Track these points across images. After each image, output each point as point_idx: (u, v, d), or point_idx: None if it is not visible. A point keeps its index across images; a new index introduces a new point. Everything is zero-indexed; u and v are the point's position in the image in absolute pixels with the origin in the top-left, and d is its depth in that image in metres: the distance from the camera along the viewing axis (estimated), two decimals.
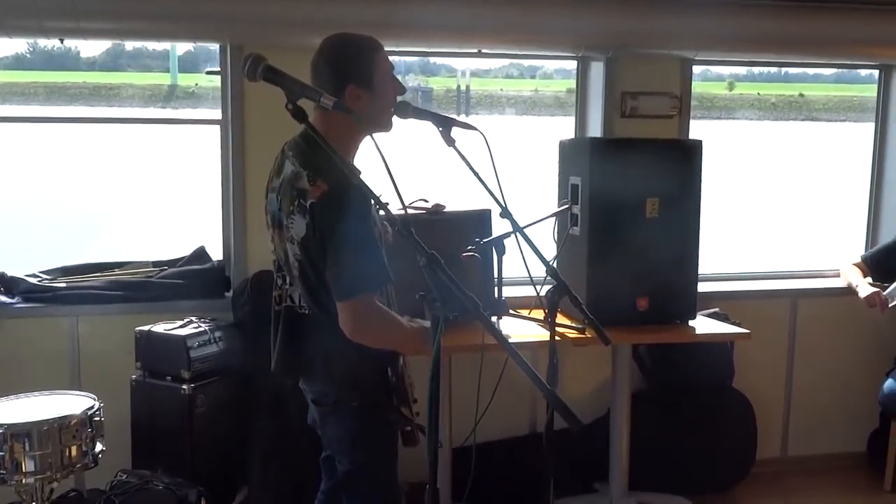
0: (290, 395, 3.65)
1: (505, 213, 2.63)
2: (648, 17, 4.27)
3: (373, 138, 2.09)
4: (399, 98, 2.64)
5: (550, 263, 2.67)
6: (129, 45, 3.97)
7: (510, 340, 2.14)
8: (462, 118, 2.73)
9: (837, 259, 5.08)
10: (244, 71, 2.13)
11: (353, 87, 2.52)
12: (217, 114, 4.29)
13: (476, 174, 2.50)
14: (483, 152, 2.56)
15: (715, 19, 4.34)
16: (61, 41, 4.00)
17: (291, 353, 2.65)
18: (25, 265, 4.42)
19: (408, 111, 2.60)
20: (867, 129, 5.35)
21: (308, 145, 2.54)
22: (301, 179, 2.48)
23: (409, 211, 2.34)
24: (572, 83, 4.81)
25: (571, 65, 4.80)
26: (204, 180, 4.69)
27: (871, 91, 5.41)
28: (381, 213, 2.35)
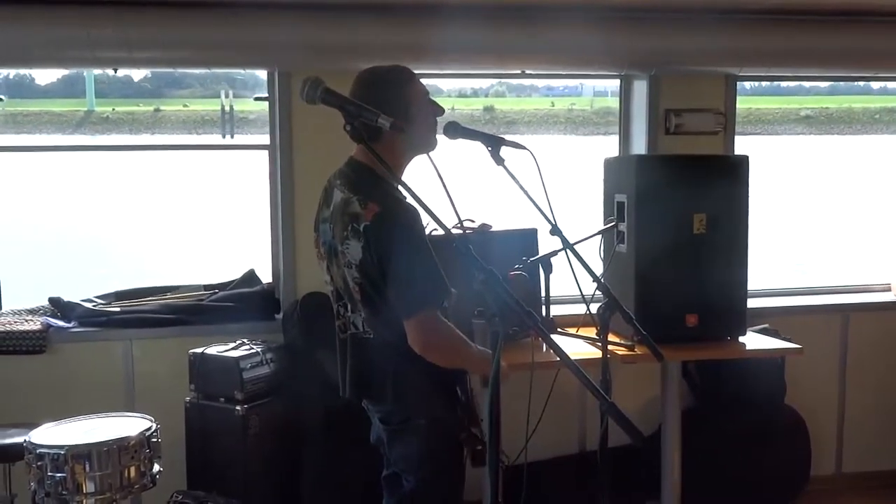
0: (341, 415, 3.70)
1: (555, 231, 2.64)
2: (691, 35, 4.28)
3: (430, 158, 2.13)
4: (448, 119, 2.68)
5: (602, 280, 2.68)
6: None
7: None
8: None
9: (888, 273, 5.01)
10: (303, 94, 2.17)
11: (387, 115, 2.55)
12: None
13: (526, 192, 2.52)
14: (531, 171, 2.59)
15: (758, 35, 4.34)
16: (115, 71, 4.11)
17: (362, 378, 2.67)
18: (79, 290, 4.52)
19: (457, 132, 2.63)
20: None
21: (355, 172, 2.60)
22: (352, 204, 2.53)
23: (457, 230, 2.36)
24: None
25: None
26: (253, 204, 4.77)
27: None
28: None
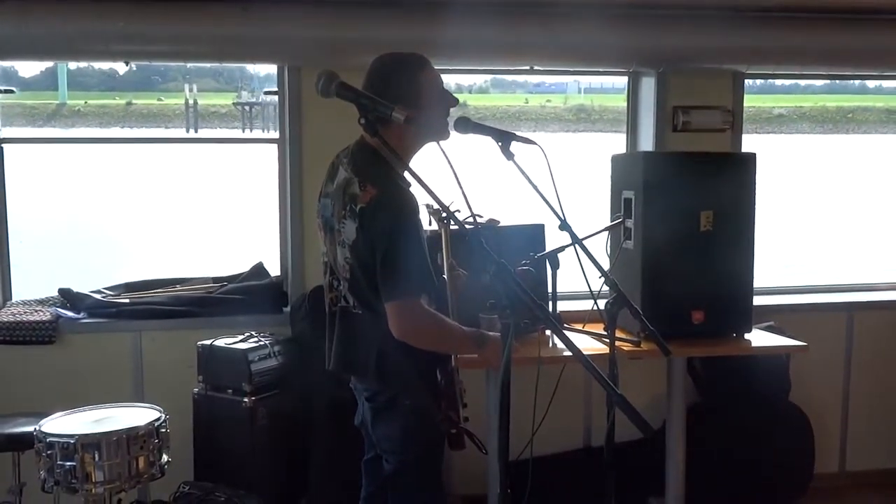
0: (347, 407, 3.72)
1: (564, 226, 2.66)
2: (700, 32, 4.28)
3: (442, 149, 2.15)
4: (459, 114, 2.70)
5: (610, 275, 2.70)
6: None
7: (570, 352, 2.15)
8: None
9: (893, 272, 5.01)
10: (318, 87, 2.19)
11: (401, 108, 2.56)
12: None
13: (535, 188, 2.54)
14: (536, 166, 2.60)
15: (766, 32, 4.34)
16: (126, 63, 4.13)
17: (346, 352, 2.71)
18: (89, 282, 4.54)
19: (468, 127, 2.64)
20: None
21: (361, 153, 2.64)
22: (353, 185, 2.57)
23: (468, 224, 2.38)
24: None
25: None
26: (261, 197, 4.80)
27: None
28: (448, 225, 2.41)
